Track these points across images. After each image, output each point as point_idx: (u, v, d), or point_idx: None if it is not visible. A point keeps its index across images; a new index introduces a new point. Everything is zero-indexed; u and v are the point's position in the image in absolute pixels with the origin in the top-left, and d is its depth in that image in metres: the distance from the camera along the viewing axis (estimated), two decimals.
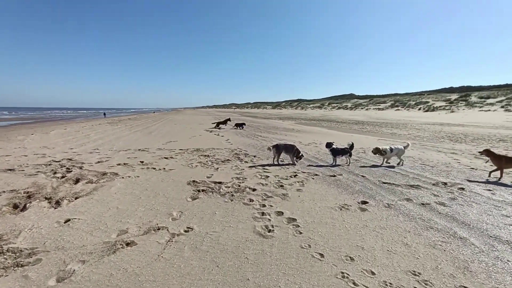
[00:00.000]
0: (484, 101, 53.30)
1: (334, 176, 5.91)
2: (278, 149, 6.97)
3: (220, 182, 5.17)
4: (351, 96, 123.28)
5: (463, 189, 5.07)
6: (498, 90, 64.35)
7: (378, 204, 4.17)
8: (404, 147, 7.23)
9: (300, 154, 7.05)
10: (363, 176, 5.94)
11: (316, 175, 5.98)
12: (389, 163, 7.31)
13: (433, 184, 5.39)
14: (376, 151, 7.18)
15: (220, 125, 20.59)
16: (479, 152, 6.26)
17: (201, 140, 12.20)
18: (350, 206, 4.04)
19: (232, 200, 4.18)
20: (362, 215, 3.75)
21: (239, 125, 20.00)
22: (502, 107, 44.80)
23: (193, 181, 5.24)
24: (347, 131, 19.25)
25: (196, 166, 6.64)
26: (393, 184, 5.34)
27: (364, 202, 4.23)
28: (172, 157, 7.73)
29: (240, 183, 5.17)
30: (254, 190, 4.75)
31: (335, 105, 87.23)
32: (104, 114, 56.98)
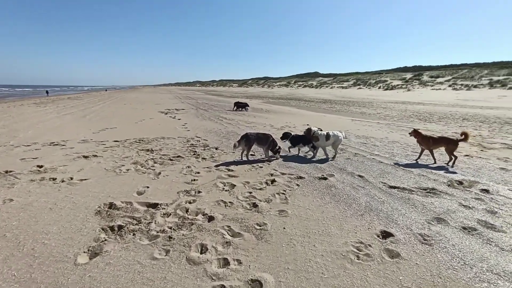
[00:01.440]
0: (435, 80, 57.38)
1: (325, 178, 4.32)
2: (248, 141, 5.12)
3: (156, 205, 3.17)
4: (316, 74, 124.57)
5: (487, 191, 3.89)
6: (445, 70, 69.97)
7: (408, 237, 2.66)
8: (345, 137, 5.75)
9: (277, 148, 5.31)
10: (360, 176, 4.46)
11: (301, 177, 4.32)
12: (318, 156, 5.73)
13: (448, 185, 4.14)
14: (308, 132, 5.55)
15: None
16: (409, 133, 5.69)
17: (150, 125, 9.71)
18: (370, 247, 2.45)
19: (167, 254, 2.28)
20: (397, 270, 2.18)
21: (241, 107, 16.10)
22: (450, 85, 48.50)
23: (110, 204, 3.15)
24: (317, 111, 18.14)
25: (128, 170, 4.46)
26: (404, 188, 3.94)
27: (387, 234, 2.68)
28: (96, 155, 5.37)
29: (189, 203, 3.25)
30: (210, 219, 2.89)
31: (301, 83, 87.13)
32: (47, 92, 48.26)
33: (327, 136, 5.39)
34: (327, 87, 69.82)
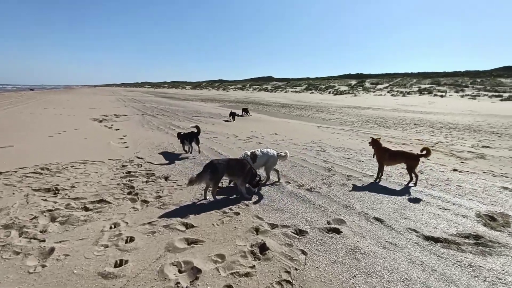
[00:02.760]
0: (375, 86, 63.52)
1: (336, 230, 2.88)
2: (216, 173, 3.37)
3: None
4: (270, 79, 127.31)
5: None
6: (382, 78, 78.58)
7: None
8: (278, 155, 4.37)
9: (258, 179, 3.71)
10: (377, 219, 3.19)
11: (302, 232, 2.80)
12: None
13: (484, 224, 3.17)
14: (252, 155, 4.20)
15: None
16: (369, 143, 5.11)
17: (71, 140, 7.08)
18: None
19: None
20: None
21: (244, 111, 16.18)
22: (388, 92, 53.94)
23: None
24: (278, 116, 17.24)
25: None
26: (446, 241, 2.77)
27: None
28: None
29: None
30: None
31: (256, 87, 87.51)
32: None
33: (253, 156, 4.13)
34: (281, 91, 71.23)
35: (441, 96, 43.61)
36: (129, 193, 3.56)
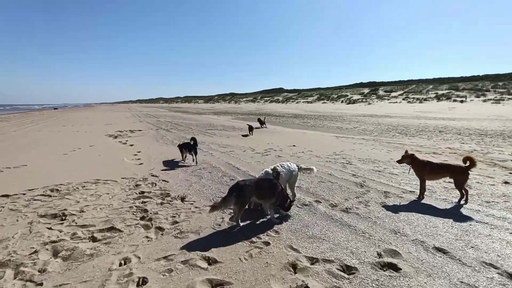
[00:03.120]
0: (389, 94, 62.05)
1: (395, 267, 2.30)
2: (242, 197, 2.91)
3: None
4: (280, 90, 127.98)
5: None
6: (396, 85, 76.93)
7: None
8: (299, 168, 3.95)
9: (289, 201, 3.21)
10: (439, 250, 2.58)
11: (351, 270, 2.26)
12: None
13: None
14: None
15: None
16: (398, 161, 4.31)
17: (85, 157, 6.91)
18: None
19: None
20: None
21: (260, 123, 15.99)
22: (403, 99, 52.44)
23: None
24: (292, 127, 16.77)
25: None
26: None
27: None
28: None
29: None
30: None
31: (267, 98, 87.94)
32: None
33: (276, 175, 3.70)
34: (293, 102, 71.07)
35: (461, 101, 41.75)
36: (142, 218, 3.16)
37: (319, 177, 5.16)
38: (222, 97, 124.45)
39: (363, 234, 2.90)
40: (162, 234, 2.79)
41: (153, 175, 5.16)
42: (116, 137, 11.26)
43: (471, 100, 41.95)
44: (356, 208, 3.60)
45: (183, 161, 6.41)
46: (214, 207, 2.83)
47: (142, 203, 3.67)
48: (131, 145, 9.04)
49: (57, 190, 4.16)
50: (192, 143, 6.24)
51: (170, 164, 6.22)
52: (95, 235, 2.75)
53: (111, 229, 2.86)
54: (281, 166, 3.80)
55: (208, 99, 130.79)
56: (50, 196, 3.89)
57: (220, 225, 3.04)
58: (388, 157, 7.24)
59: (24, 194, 3.97)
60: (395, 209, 3.62)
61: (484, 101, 39.85)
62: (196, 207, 3.53)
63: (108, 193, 4.05)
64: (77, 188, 4.27)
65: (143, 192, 4.10)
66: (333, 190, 4.36)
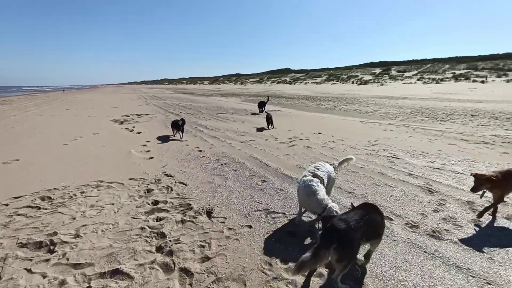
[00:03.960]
0: (403, 74, 59.03)
1: None
2: (349, 248, 1.76)
3: None
4: (287, 70, 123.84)
5: None
6: (410, 65, 73.11)
7: None
8: (335, 167, 3.21)
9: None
10: None
11: None
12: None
13: None
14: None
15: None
16: (472, 190, 2.90)
17: (87, 149, 6.04)
18: None
19: None
20: None
21: (261, 105, 13.33)
22: (418, 79, 49.78)
23: None
24: (306, 110, 15.60)
25: None
26: None
27: None
28: None
29: None
30: None
31: (274, 79, 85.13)
32: None
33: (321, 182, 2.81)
34: (301, 83, 68.51)
35: (482, 82, 39.23)
36: (158, 250, 2.29)
37: (369, 177, 4.20)
38: (228, 78, 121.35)
39: (484, 282, 1.96)
40: (190, 285, 1.90)
41: (167, 175, 4.27)
42: (122, 122, 10.35)
43: (492, 81, 39.36)
44: (446, 231, 2.66)
45: (173, 136, 7.56)
46: (301, 267, 1.69)
47: (157, 220, 2.80)
48: (139, 133, 8.13)
49: (49, 198, 3.31)
50: (180, 123, 7.35)
51: (186, 159, 5.30)
52: (92, 285, 1.87)
53: (116, 272, 1.99)
54: (317, 168, 2.89)
55: (214, 80, 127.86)
56: (39, 208, 3.04)
57: (271, 264, 2.13)
58: (434, 148, 6.19)
59: (6, 205, 3.13)
60: (499, 233, 2.65)
61: (508, 81, 37.31)
62: (230, 229, 2.63)
63: (113, 204, 3.18)
64: (75, 195, 3.41)
65: (157, 202, 3.22)
66: (397, 199, 3.41)
